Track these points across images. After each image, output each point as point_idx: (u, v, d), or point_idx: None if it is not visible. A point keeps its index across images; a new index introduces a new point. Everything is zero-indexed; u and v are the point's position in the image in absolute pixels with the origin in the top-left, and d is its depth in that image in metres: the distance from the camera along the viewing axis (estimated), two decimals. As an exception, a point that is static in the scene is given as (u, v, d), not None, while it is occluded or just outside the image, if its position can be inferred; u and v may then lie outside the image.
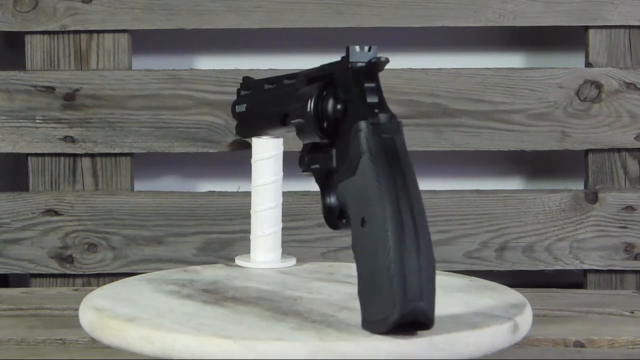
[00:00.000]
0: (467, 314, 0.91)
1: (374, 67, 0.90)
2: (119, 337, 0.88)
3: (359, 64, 0.92)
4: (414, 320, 0.82)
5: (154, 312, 0.92)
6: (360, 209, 0.86)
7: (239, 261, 1.11)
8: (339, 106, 0.92)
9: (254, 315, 0.91)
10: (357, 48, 0.92)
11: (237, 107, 1.13)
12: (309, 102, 0.94)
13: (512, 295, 0.99)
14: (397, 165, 0.85)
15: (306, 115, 0.94)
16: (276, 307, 0.94)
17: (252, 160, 1.11)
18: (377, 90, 0.90)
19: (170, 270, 1.12)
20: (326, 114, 0.93)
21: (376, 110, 0.88)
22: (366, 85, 0.90)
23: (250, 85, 1.13)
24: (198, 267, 1.12)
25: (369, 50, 0.93)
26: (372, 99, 0.89)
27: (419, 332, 0.83)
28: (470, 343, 0.85)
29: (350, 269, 1.03)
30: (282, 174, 1.11)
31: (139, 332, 0.87)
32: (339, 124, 0.91)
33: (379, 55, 0.94)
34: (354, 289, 0.89)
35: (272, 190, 1.10)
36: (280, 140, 1.10)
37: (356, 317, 0.87)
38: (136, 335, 0.87)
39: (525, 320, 0.92)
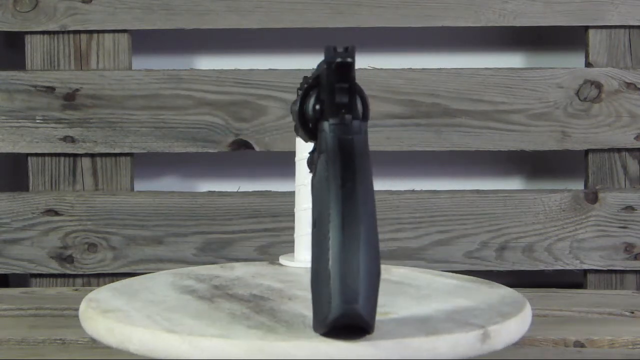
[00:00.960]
0: (438, 319, 0.90)
1: (345, 67, 0.90)
2: (93, 327, 0.90)
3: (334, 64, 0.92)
4: (350, 323, 0.81)
5: (141, 305, 0.94)
6: (313, 210, 0.86)
7: (282, 260, 1.12)
8: (317, 107, 0.92)
9: (227, 312, 0.92)
10: (333, 48, 0.92)
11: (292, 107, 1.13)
12: (296, 102, 0.94)
13: (508, 301, 0.98)
14: (350, 167, 0.85)
15: (293, 116, 0.94)
16: (259, 305, 0.94)
17: (296, 160, 1.11)
18: (349, 91, 0.89)
19: (208, 265, 1.13)
20: (308, 115, 0.93)
21: (342, 111, 0.88)
22: (337, 85, 0.89)
23: None
24: (237, 264, 1.13)
25: (346, 50, 0.92)
26: (341, 99, 0.89)
27: (367, 336, 0.82)
28: (423, 349, 0.83)
29: (390, 272, 1.04)
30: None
31: (106, 323, 0.89)
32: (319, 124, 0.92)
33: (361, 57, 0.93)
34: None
35: None
36: None
37: None
38: (103, 326, 0.89)
39: (507, 329, 0.89)
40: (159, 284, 1.04)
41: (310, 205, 1.09)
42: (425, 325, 0.88)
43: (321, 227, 0.84)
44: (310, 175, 0.96)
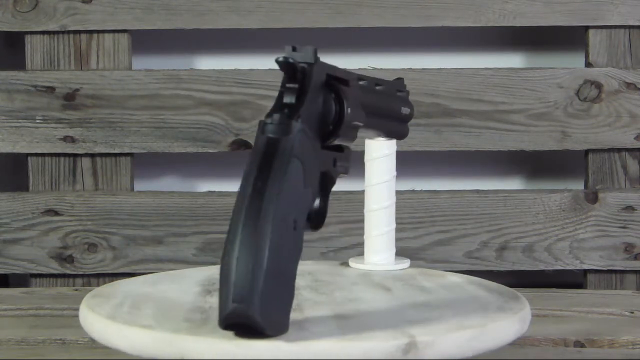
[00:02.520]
0: (369, 323, 0.89)
1: (287, 67, 0.90)
2: (82, 318, 0.92)
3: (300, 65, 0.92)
4: (239, 321, 0.81)
5: (133, 300, 0.95)
6: None
7: (351, 262, 1.12)
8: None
9: (208, 307, 0.93)
10: (292, 48, 0.92)
11: None
12: None
13: (490, 308, 0.95)
14: (267, 167, 0.85)
15: None
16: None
17: (365, 160, 1.11)
18: (297, 91, 0.89)
19: None
20: None
21: (281, 110, 0.88)
22: (287, 85, 0.90)
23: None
24: (307, 262, 1.14)
25: (300, 50, 0.93)
26: (288, 99, 0.89)
27: (269, 336, 0.82)
28: (325, 354, 0.82)
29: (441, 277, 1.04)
30: (395, 173, 1.11)
31: (92, 317, 0.91)
32: None
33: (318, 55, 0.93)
34: (383, 302, 0.91)
35: (385, 189, 1.10)
36: (394, 141, 1.10)
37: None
38: (91, 320, 0.91)
39: (445, 341, 0.85)
40: (173, 278, 1.05)
41: (382, 205, 1.10)
42: (348, 329, 0.86)
43: (230, 224, 0.84)
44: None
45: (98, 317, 0.91)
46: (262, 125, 0.87)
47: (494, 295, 0.98)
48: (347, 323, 0.88)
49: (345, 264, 1.12)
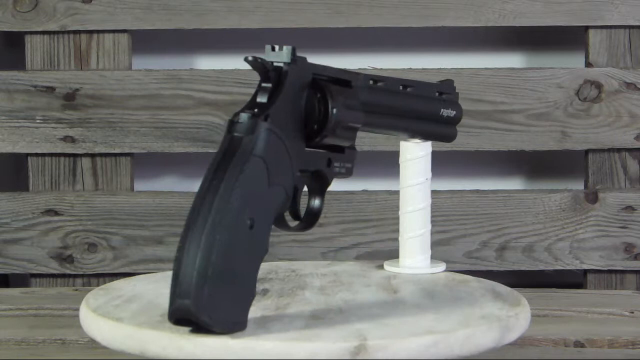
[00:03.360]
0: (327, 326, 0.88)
1: (262, 67, 0.91)
2: (82, 318, 0.93)
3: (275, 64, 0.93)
4: (182, 316, 0.82)
5: (128, 297, 0.96)
6: None
7: (386, 266, 1.11)
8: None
9: None
10: (271, 47, 0.92)
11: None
12: None
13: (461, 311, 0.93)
14: (225, 165, 0.86)
15: None
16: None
17: (400, 161, 1.10)
18: (270, 91, 0.90)
19: (310, 262, 1.16)
20: None
21: (250, 109, 0.89)
22: (262, 85, 0.91)
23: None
24: (347, 262, 1.14)
25: (281, 49, 0.93)
26: (260, 99, 0.90)
27: (221, 333, 0.83)
28: (270, 354, 0.82)
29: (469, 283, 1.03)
30: (430, 174, 1.10)
31: (86, 313, 0.92)
32: None
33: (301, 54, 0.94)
34: (375, 305, 0.91)
35: (419, 191, 1.09)
36: (428, 142, 1.10)
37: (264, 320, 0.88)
38: (85, 316, 0.92)
39: (399, 345, 0.83)
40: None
41: (418, 207, 1.09)
42: (305, 331, 0.86)
43: (186, 221, 0.85)
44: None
45: (84, 309, 0.92)
46: (229, 124, 0.88)
47: (497, 302, 0.96)
48: (316, 323, 0.88)
49: (381, 266, 1.11)
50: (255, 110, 0.89)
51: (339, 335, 0.84)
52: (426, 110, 1.06)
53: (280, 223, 0.92)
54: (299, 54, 0.95)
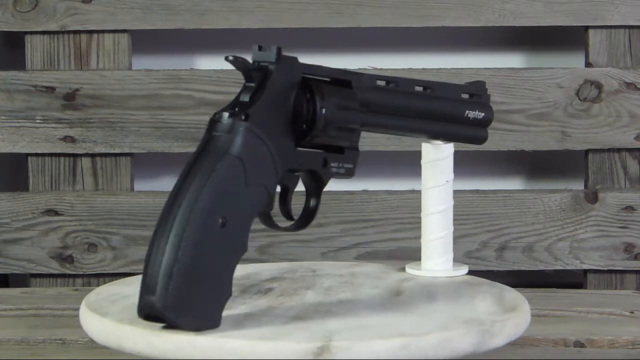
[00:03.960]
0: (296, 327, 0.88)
1: (244, 66, 0.91)
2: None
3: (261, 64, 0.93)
4: (148, 313, 0.84)
5: (126, 295, 0.97)
6: None
7: (408, 268, 1.10)
8: None
9: None
10: (257, 47, 0.93)
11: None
12: None
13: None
14: (197, 163, 0.87)
15: None
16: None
17: (422, 163, 1.09)
18: (254, 91, 0.91)
19: (336, 263, 1.16)
20: None
21: (231, 109, 0.89)
22: (246, 84, 0.91)
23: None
24: (360, 265, 1.14)
25: (267, 49, 0.94)
26: (243, 98, 0.90)
27: (189, 330, 0.84)
28: (236, 352, 0.83)
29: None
30: (452, 176, 1.09)
31: (84, 310, 0.93)
32: None
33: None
34: (362, 305, 0.91)
35: (441, 192, 1.08)
36: (450, 144, 1.09)
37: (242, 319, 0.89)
38: (83, 313, 0.93)
39: (363, 347, 0.83)
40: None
41: (435, 209, 1.08)
42: (272, 331, 0.86)
43: (159, 218, 0.87)
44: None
45: (84, 309, 0.93)
46: (209, 123, 0.89)
47: (492, 307, 0.95)
48: (292, 323, 0.88)
49: (404, 268, 1.10)
50: (236, 109, 0.89)
51: (305, 336, 0.84)
52: (446, 111, 1.05)
53: (269, 222, 0.93)
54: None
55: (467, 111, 1.07)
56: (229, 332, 0.85)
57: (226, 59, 0.90)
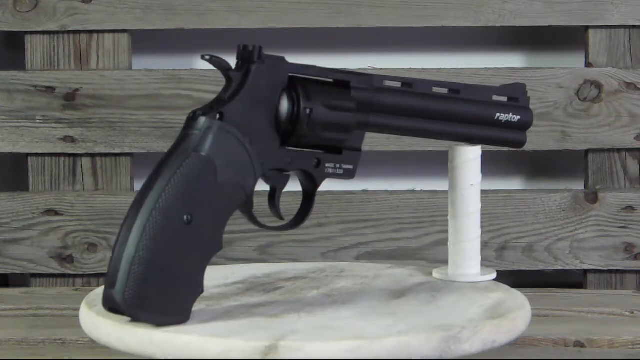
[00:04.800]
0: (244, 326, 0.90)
1: (220, 65, 0.92)
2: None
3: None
4: (109, 306, 0.86)
5: None
6: None
7: (435, 273, 1.08)
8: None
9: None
10: (240, 46, 0.94)
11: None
12: None
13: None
14: (167, 160, 0.88)
15: None
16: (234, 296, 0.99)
17: (449, 165, 1.08)
18: (232, 90, 0.92)
19: (371, 264, 1.16)
20: None
21: (209, 108, 0.91)
22: (227, 83, 0.93)
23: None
24: (393, 267, 1.13)
25: (249, 49, 0.95)
26: (221, 96, 0.92)
27: (148, 326, 0.87)
28: (188, 348, 0.84)
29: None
30: (480, 179, 1.07)
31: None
32: None
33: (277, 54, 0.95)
34: (343, 307, 0.92)
35: (468, 196, 1.07)
36: (478, 146, 1.07)
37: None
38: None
39: (312, 348, 0.84)
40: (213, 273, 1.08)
41: (462, 212, 1.07)
42: (241, 328, 0.88)
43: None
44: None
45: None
46: (185, 121, 0.91)
47: (477, 314, 0.94)
48: (257, 322, 0.90)
49: (430, 273, 1.10)
50: (212, 108, 0.91)
51: (259, 335, 0.85)
52: (470, 114, 1.04)
53: (253, 221, 0.94)
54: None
55: (498, 114, 1.06)
56: (189, 327, 0.87)
57: (202, 57, 0.91)
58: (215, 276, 1.06)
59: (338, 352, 0.83)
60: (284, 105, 0.93)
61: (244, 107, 0.91)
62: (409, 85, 1.01)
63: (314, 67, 0.96)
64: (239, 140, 0.91)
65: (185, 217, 0.87)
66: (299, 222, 0.96)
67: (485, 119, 1.05)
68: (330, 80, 0.97)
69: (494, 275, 1.08)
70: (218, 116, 0.90)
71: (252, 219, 0.94)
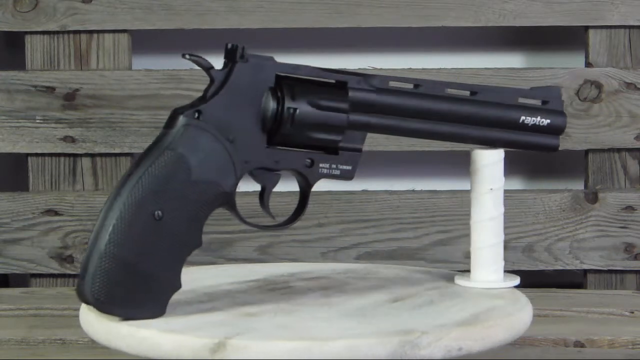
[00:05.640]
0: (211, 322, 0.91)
1: (200, 65, 0.94)
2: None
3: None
4: (82, 299, 0.90)
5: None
6: None
7: (457, 279, 1.06)
8: None
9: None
10: (227, 46, 0.95)
11: None
12: None
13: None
14: (142, 157, 0.90)
15: None
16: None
17: (471, 169, 1.05)
18: (213, 89, 0.93)
19: (400, 267, 1.16)
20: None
21: (192, 106, 0.92)
22: (210, 82, 0.95)
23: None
24: (415, 270, 1.13)
25: (235, 48, 0.96)
26: (204, 94, 0.93)
27: (115, 319, 0.90)
28: (145, 342, 0.87)
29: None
30: (502, 182, 1.05)
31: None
32: None
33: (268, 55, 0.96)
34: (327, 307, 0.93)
35: (490, 200, 1.05)
36: (500, 150, 1.05)
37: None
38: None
39: (259, 348, 0.85)
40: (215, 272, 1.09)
41: (483, 217, 1.05)
42: (197, 326, 0.89)
43: None
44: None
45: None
46: (167, 119, 0.92)
47: (456, 321, 0.92)
48: (221, 319, 0.91)
49: (452, 280, 1.08)
50: (192, 106, 0.92)
51: (213, 332, 0.86)
52: (488, 116, 1.02)
53: (240, 218, 0.95)
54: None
55: (523, 117, 1.04)
56: (153, 322, 0.89)
57: (183, 56, 0.92)
58: (239, 272, 1.08)
59: (281, 352, 0.84)
60: (269, 104, 0.94)
61: (224, 106, 0.92)
62: (418, 86, 1.00)
63: (307, 67, 0.96)
64: (216, 139, 0.91)
65: (155, 213, 0.89)
66: (291, 222, 0.97)
67: (507, 121, 1.03)
68: (325, 80, 0.96)
69: (515, 282, 1.05)
70: (196, 115, 0.91)
71: (239, 217, 0.95)
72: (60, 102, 1.58)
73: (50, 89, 1.58)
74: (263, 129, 0.93)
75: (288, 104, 0.93)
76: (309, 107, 0.94)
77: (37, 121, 1.58)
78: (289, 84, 0.94)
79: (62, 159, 1.60)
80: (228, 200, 0.92)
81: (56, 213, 1.59)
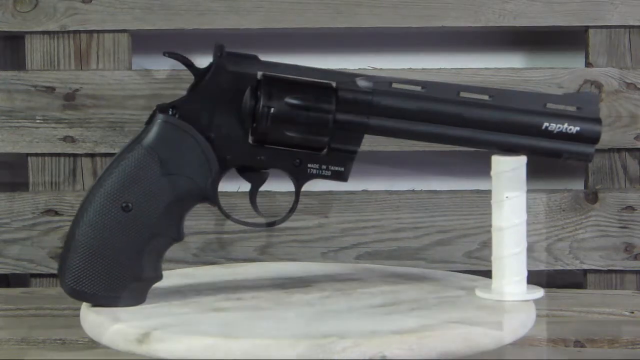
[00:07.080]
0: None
1: (183, 62, 0.97)
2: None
3: None
4: (63, 288, 0.94)
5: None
6: None
7: (478, 291, 1.02)
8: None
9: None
10: (215, 44, 0.97)
11: None
12: None
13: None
14: (122, 151, 0.95)
15: None
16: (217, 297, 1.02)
17: (492, 173, 1.03)
18: (190, 86, 0.96)
19: (432, 271, 1.17)
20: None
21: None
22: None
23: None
24: (447, 274, 1.14)
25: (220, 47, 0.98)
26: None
27: (101, 309, 0.94)
28: (92, 330, 0.92)
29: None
30: (525, 189, 1.02)
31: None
32: None
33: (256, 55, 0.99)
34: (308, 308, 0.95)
35: (511, 207, 1.02)
36: (522, 157, 1.03)
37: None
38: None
39: (179, 342, 0.87)
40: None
41: (505, 225, 1.02)
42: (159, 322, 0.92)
43: None
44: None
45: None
46: (149, 116, 0.97)
47: (403, 325, 0.92)
48: (188, 314, 0.94)
49: (473, 291, 1.05)
50: (170, 103, 0.94)
51: (147, 324, 0.90)
52: (505, 121, 0.99)
53: (226, 215, 0.97)
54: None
55: (546, 123, 1.00)
56: (108, 310, 0.93)
57: (164, 54, 0.94)
58: (264, 270, 1.12)
59: (194, 348, 0.87)
60: (247, 102, 0.94)
61: (202, 103, 0.93)
62: (425, 88, 0.98)
63: (293, 66, 0.96)
64: (189, 134, 0.93)
65: (123, 204, 0.92)
66: (281, 220, 0.97)
67: (528, 128, 1.00)
68: (312, 80, 0.96)
69: (539, 294, 1.02)
70: (171, 111, 0.92)
71: (224, 213, 0.95)
72: (60, 102, 1.58)
73: (50, 89, 1.58)
74: (245, 127, 0.94)
75: (264, 102, 0.93)
76: (286, 106, 0.94)
77: (37, 121, 1.58)
78: (269, 82, 0.94)
79: (62, 159, 1.60)
80: (206, 196, 0.93)
81: (56, 213, 1.59)
